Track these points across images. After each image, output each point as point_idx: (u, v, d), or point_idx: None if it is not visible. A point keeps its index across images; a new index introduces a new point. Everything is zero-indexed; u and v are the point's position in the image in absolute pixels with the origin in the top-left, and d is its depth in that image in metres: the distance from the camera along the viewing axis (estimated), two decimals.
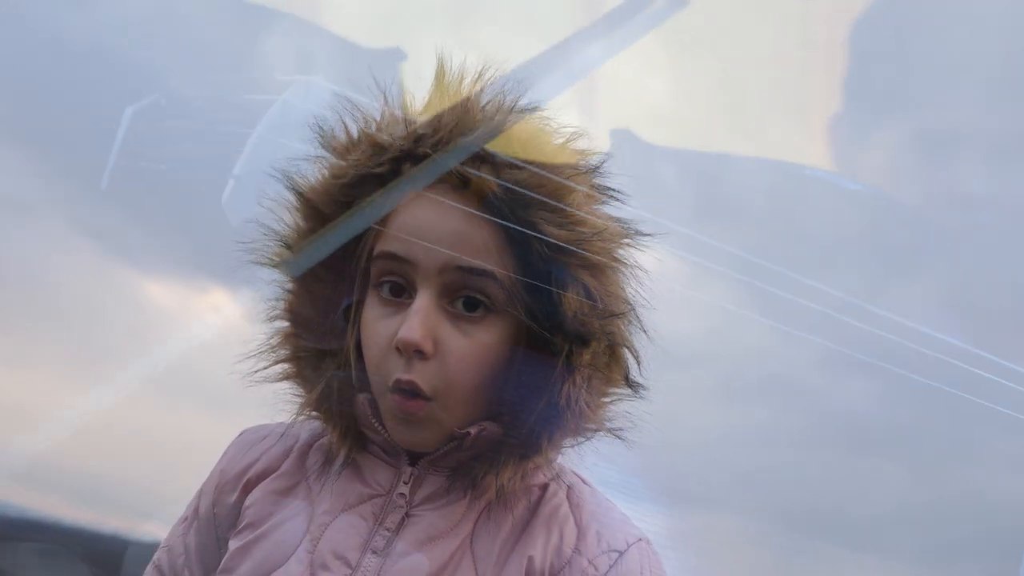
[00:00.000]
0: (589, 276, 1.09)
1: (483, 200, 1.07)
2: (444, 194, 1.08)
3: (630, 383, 1.12)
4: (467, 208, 1.07)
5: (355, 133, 1.13)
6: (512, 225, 1.07)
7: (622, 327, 1.11)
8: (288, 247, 1.15)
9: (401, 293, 1.10)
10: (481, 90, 1.11)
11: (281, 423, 1.22)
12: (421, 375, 1.08)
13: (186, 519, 1.22)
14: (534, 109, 1.12)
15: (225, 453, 1.23)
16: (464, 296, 1.08)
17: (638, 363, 1.13)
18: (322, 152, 1.14)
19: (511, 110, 1.11)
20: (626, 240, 1.12)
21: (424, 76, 1.12)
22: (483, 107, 1.10)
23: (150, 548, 1.26)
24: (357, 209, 1.11)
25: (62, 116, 1.93)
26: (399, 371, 1.08)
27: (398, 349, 1.08)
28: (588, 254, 1.09)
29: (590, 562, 1.10)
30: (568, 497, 1.15)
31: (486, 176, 1.07)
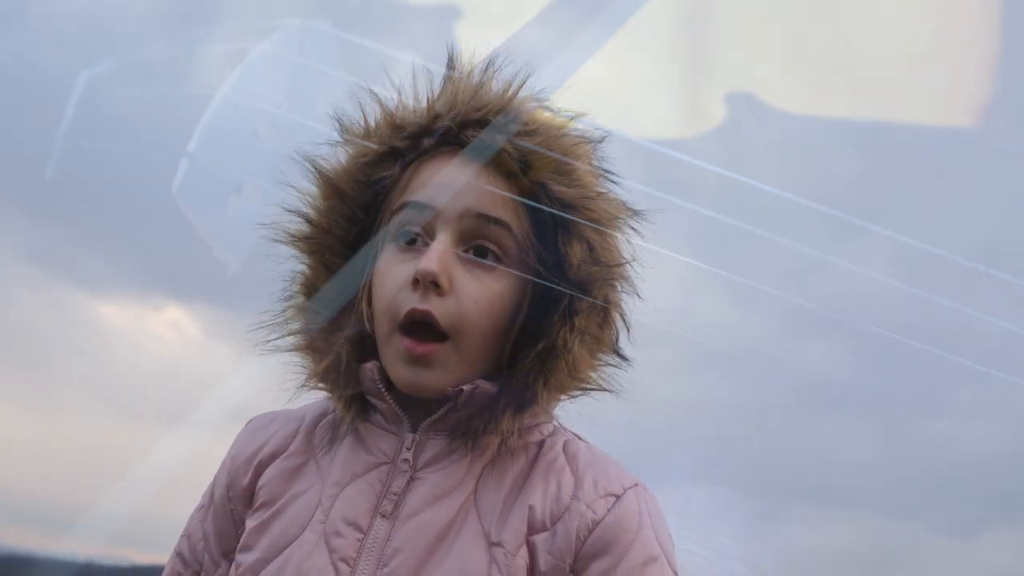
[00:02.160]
0: (593, 233, 1.17)
1: (498, 163, 1.16)
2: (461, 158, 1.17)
3: (617, 352, 1.19)
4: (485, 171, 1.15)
5: (373, 119, 1.21)
6: (525, 181, 1.15)
7: (617, 290, 1.18)
8: (309, 222, 1.21)
9: (415, 243, 1.17)
10: (493, 73, 1.20)
11: (287, 409, 1.28)
12: (437, 308, 1.13)
13: (203, 507, 1.27)
14: (542, 91, 1.21)
15: (234, 442, 1.28)
16: (477, 244, 1.16)
17: (627, 330, 1.19)
18: (344, 138, 1.21)
19: (521, 90, 1.20)
20: (626, 211, 1.20)
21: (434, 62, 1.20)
22: (495, 88, 1.19)
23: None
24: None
25: None
26: (414, 302, 1.13)
27: (415, 282, 1.13)
28: (593, 212, 1.17)
29: (588, 506, 1.14)
30: (564, 449, 1.19)
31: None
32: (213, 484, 1.28)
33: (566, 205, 1.16)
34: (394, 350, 1.15)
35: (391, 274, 1.16)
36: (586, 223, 1.16)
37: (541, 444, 1.20)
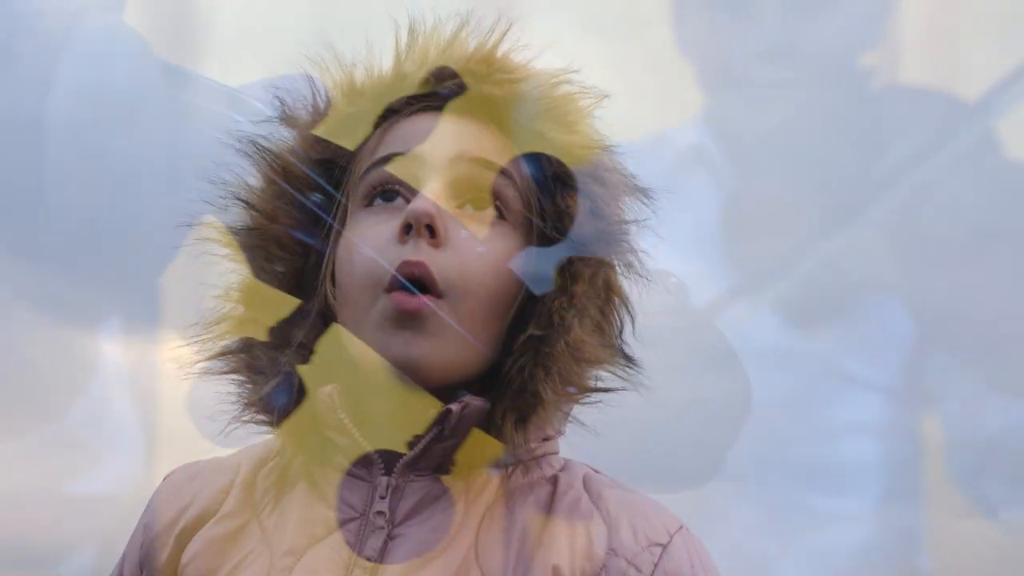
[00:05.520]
0: (596, 185, 0.95)
1: (486, 111, 0.95)
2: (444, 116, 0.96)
3: (620, 347, 0.96)
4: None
5: (323, 87, 0.99)
6: (523, 128, 0.95)
7: (617, 272, 0.97)
8: (252, 209, 0.97)
9: (395, 198, 0.94)
10: (465, 34, 0.99)
11: (215, 457, 1.01)
12: (432, 259, 0.89)
13: None
14: (524, 46, 1.00)
15: (149, 504, 1.01)
16: (474, 197, 0.93)
17: (632, 321, 0.97)
18: (286, 112, 0.99)
19: (503, 41, 0.99)
20: (631, 180, 0.99)
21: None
22: (472, 42, 0.98)
23: None
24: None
25: None
26: (405, 255, 0.89)
27: (403, 232, 0.89)
28: (596, 162, 0.96)
29: (629, 562, 0.90)
30: (586, 488, 0.95)
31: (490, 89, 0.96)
32: (122, 562, 1.00)
33: (568, 156, 0.95)
34: (377, 316, 0.89)
35: (367, 236, 0.92)
36: (588, 175, 0.95)
37: (555, 481, 0.94)
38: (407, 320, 0.88)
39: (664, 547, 0.92)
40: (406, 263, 0.89)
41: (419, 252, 0.89)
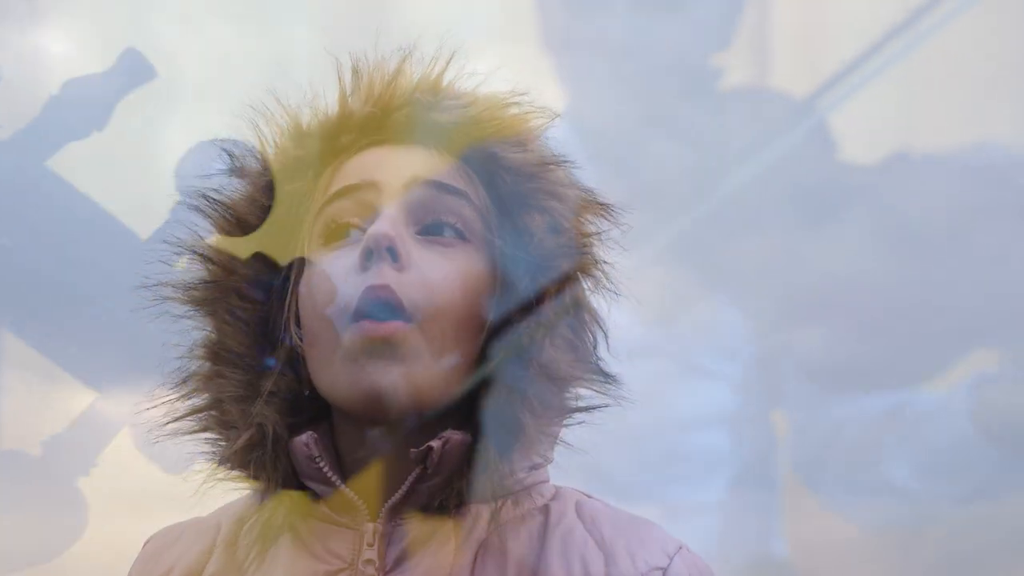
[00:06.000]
0: (554, 200, 0.92)
1: (438, 138, 0.93)
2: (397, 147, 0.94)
3: (598, 365, 0.93)
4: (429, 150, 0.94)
5: (270, 134, 0.97)
6: (475, 150, 0.92)
7: (584, 287, 0.94)
8: (210, 262, 0.94)
9: (351, 233, 0.91)
10: (409, 66, 0.97)
11: (194, 518, 0.98)
12: (397, 282, 0.86)
13: None
14: (469, 73, 0.98)
15: (131, 572, 0.98)
16: (432, 222, 0.90)
17: (605, 337, 0.94)
18: (235, 164, 0.97)
19: (448, 68, 0.97)
20: (592, 196, 0.96)
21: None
22: (418, 72, 0.97)
23: None
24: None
25: None
26: (368, 282, 0.86)
27: (363, 259, 0.86)
28: (554, 182, 0.93)
29: None
30: (579, 515, 0.92)
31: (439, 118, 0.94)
32: None
33: (522, 175, 0.92)
34: (347, 348, 0.86)
35: (328, 273, 0.89)
36: (545, 192, 0.92)
37: (546, 512, 0.92)
38: (379, 347, 0.85)
39: (664, 570, 0.89)
40: (370, 288, 0.86)
41: (383, 277, 0.86)
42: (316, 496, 0.90)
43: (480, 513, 0.89)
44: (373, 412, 0.87)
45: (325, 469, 0.89)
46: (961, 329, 1.65)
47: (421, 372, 0.86)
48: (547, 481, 0.96)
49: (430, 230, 0.91)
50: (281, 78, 1.01)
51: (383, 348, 0.85)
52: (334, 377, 0.87)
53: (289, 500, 0.91)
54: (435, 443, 0.86)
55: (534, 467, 0.94)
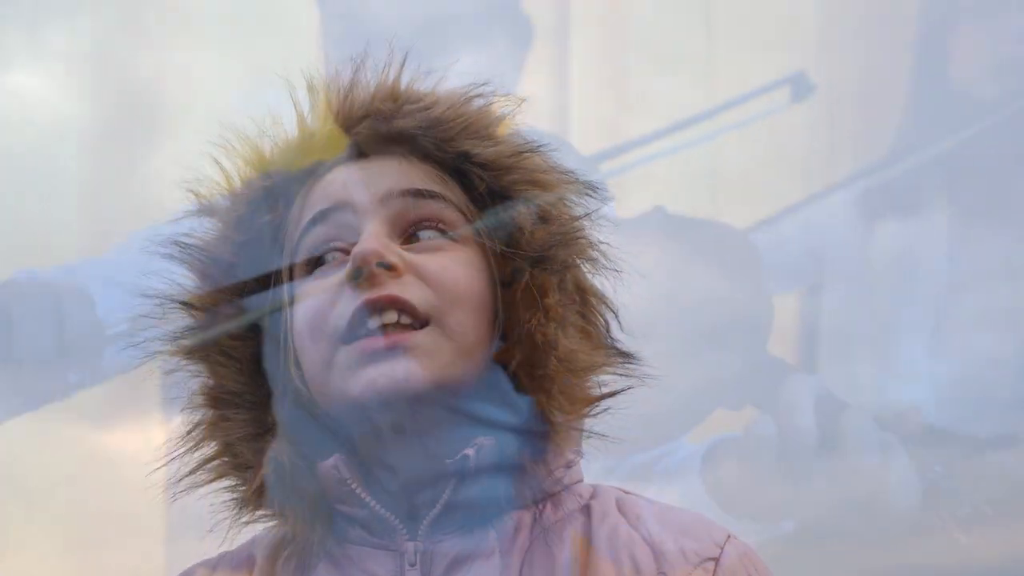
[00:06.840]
0: (536, 188, 0.90)
1: (403, 145, 0.91)
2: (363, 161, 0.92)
3: (614, 346, 0.91)
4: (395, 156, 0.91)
5: (235, 168, 0.94)
6: (448, 153, 0.90)
7: (583, 271, 0.92)
8: (192, 307, 0.92)
9: (335, 256, 0.89)
10: (364, 76, 0.94)
11: (225, 552, 0.95)
12: (400, 287, 0.84)
13: None
14: (430, 73, 0.96)
15: None
16: (415, 231, 0.89)
17: (615, 316, 0.92)
18: (202, 203, 0.95)
19: (403, 72, 0.95)
20: (572, 176, 0.94)
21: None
22: (372, 81, 0.94)
23: None
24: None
25: None
26: (365, 294, 0.83)
27: (353, 277, 0.84)
28: (531, 171, 0.91)
29: None
30: (622, 512, 0.90)
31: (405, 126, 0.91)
32: None
33: (498, 168, 0.90)
34: (343, 364, 0.84)
35: (317, 298, 0.86)
36: (525, 180, 0.90)
37: (587, 512, 0.89)
38: (383, 352, 0.83)
39: (717, 560, 0.87)
40: (368, 301, 0.83)
41: (382, 288, 0.83)
42: (349, 520, 0.88)
43: (522, 520, 0.87)
44: (395, 403, 0.83)
45: (358, 490, 0.86)
46: None
47: (439, 362, 0.83)
48: (583, 479, 0.94)
49: (415, 237, 0.89)
50: (250, 105, 0.98)
51: (393, 347, 0.83)
52: (345, 392, 0.84)
53: (321, 527, 0.88)
54: (470, 451, 0.83)
55: (569, 464, 0.92)
